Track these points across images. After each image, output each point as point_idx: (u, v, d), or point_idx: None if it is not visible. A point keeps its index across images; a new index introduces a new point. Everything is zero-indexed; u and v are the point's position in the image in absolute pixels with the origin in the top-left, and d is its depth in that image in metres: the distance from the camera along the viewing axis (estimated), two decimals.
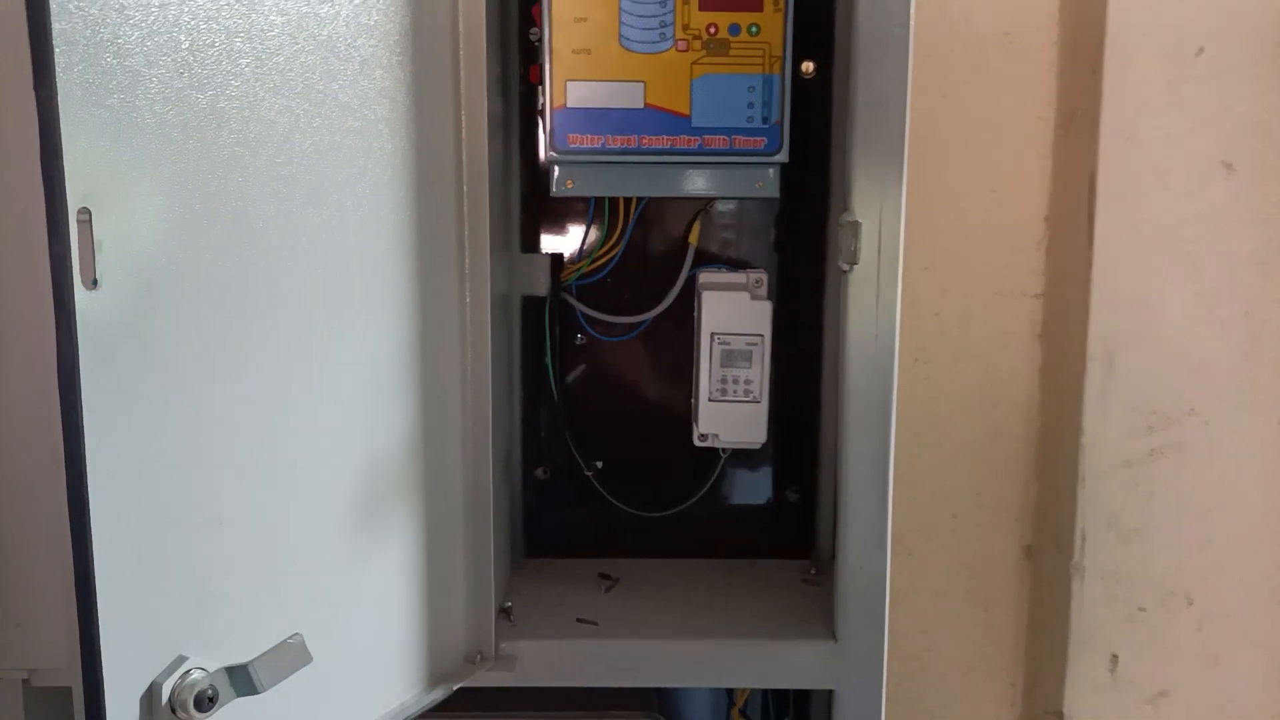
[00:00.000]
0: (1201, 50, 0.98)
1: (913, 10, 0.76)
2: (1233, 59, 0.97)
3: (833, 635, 0.84)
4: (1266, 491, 1.02)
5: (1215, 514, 1.02)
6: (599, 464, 1.01)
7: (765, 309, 0.93)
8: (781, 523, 1.02)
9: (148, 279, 0.55)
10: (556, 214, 0.99)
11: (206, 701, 0.57)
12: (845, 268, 0.79)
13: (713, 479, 0.98)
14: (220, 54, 0.58)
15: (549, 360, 0.98)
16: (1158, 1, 0.97)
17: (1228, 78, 0.97)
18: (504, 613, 0.87)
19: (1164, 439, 1.01)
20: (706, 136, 0.87)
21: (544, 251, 0.98)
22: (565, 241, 0.98)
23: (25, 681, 0.74)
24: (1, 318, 0.57)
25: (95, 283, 0.52)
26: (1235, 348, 1.00)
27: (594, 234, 0.98)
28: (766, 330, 0.93)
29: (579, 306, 0.98)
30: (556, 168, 0.89)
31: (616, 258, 0.98)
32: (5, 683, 0.73)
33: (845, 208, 0.80)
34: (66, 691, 0.54)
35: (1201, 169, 0.98)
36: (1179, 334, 1.00)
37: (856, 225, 0.77)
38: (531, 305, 0.99)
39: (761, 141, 0.87)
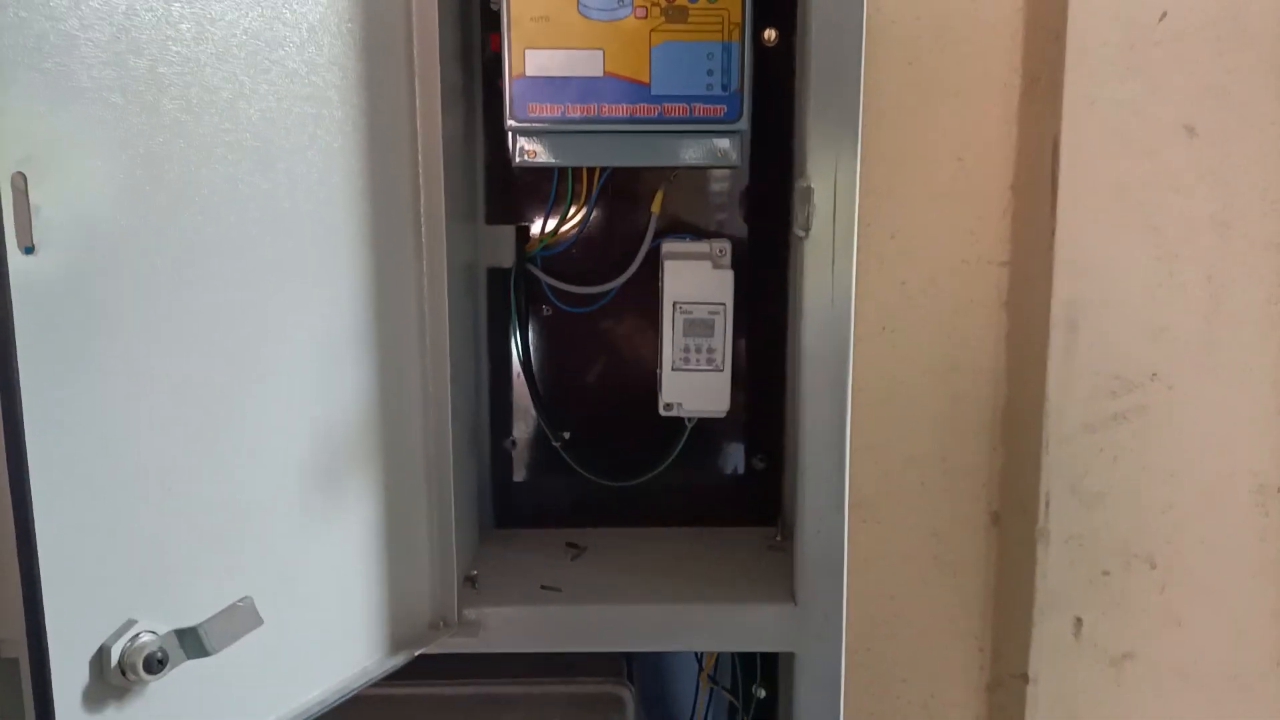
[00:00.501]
0: (1164, 15, 0.98)
1: None
2: (1194, 23, 0.97)
3: (793, 599, 0.84)
4: (1228, 455, 1.03)
5: (1178, 477, 1.03)
6: (566, 435, 1.01)
7: (727, 278, 0.93)
8: (749, 490, 1.03)
9: (89, 243, 0.55)
10: (521, 185, 0.98)
11: (156, 664, 0.57)
12: (801, 234, 0.80)
13: (679, 448, 0.99)
14: (159, 19, 0.58)
15: (514, 331, 0.99)
16: None
17: (1189, 42, 0.97)
18: (469, 581, 0.88)
19: (1126, 403, 1.02)
20: (666, 105, 0.87)
21: (511, 222, 0.98)
22: (530, 212, 0.98)
23: None
24: None
25: (31, 248, 0.52)
26: (1196, 311, 1.01)
27: (559, 205, 0.98)
28: (728, 299, 0.93)
29: (544, 278, 0.98)
30: (517, 137, 0.88)
31: (581, 228, 0.98)
32: None
33: (801, 174, 0.80)
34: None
35: (1163, 133, 0.98)
36: (1141, 298, 1.00)
37: (810, 191, 0.77)
38: (497, 276, 0.99)
39: (721, 109, 0.87)
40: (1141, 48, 0.98)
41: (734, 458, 1.03)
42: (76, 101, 0.54)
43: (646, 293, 0.97)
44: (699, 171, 0.97)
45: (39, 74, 0.52)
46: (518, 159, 0.89)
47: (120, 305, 0.57)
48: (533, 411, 1.01)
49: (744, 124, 0.87)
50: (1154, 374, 1.02)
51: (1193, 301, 1.01)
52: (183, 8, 0.59)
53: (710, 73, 0.86)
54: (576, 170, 0.96)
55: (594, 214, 0.98)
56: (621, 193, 0.98)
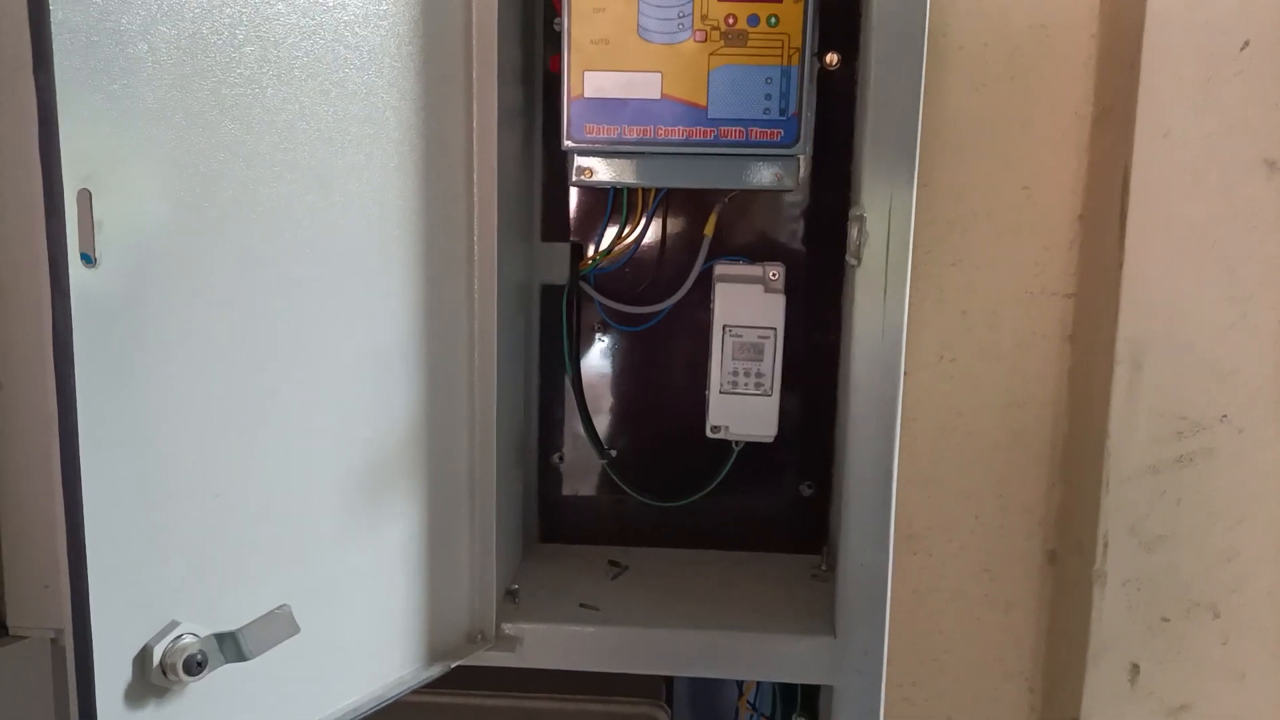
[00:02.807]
0: (1246, 44, 0.94)
1: (928, 1, 0.75)
2: (1276, 53, 0.93)
3: (833, 631, 0.83)
4: None
5: (1245, 524, 0.99)
6: (614, 452, 1.02)
7: (778, 302, 0.93)
8: (795, 517, 1.02)
9: (146, 258, 0.57)
10: (579, 203, 0.99)
11: (195, 665, 0.59)
12: (853, 263, 0.79)
13: (725, 471, 0.98)
14: (224, 42, 0.60)
15: (565, 348, 1.00)
16: None
17: (1271, 73, 0.93)
18: (510, 595, 0.89)
19: (1193, 445, 0.98)
20: (723, 128, 0.87)
21: (566, 240, 0.99)
22: (585, 231, 0.99)
23: (53, 641, 0.77)
24: (4, 295, 0.60)
25: (93, 261, 0.54)
26: (1269, 355, 0.96)
27: (614, 224, 0.98)
28: (779, 323, 0.93)
29: (596, 296, 0.99)
30: (574, 157, 0.89)
31: (634, 248, 0.99)
32: (34, 642, 0.77)
33: (856, 203, 0.79)
34: None
35: (1240, 168, 0.95)
36: (1210, 339, 0.97)
37: (862, 220, 0.76)
38: (551, 293, 1.00)
39: (778, 134, 0.87)
40: (1221, 79, 0.94)
41: (782, 483, 1.02)
42: (140, 121, 0.56)
43: (698, 314, 0.97)
44: (756, 194, 0.97)
45: (105, 96, 0.54)
46: (574, 178, 0.90)
47: (174, 318, 0.59)
48: (581, 428, 1.01)
49: (800, 148, 0.86)
50: (1223, 416, 0.98)
51: (1266, 345, 0.96)
52: (248, 32, 0.61)
53: (768, 97, 0.86)
54: (632, 190, 0.96)
55: (648, 234, 0.98)
56: (676, 213, 0.98)
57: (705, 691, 1.12)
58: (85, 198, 0.53)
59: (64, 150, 0.51)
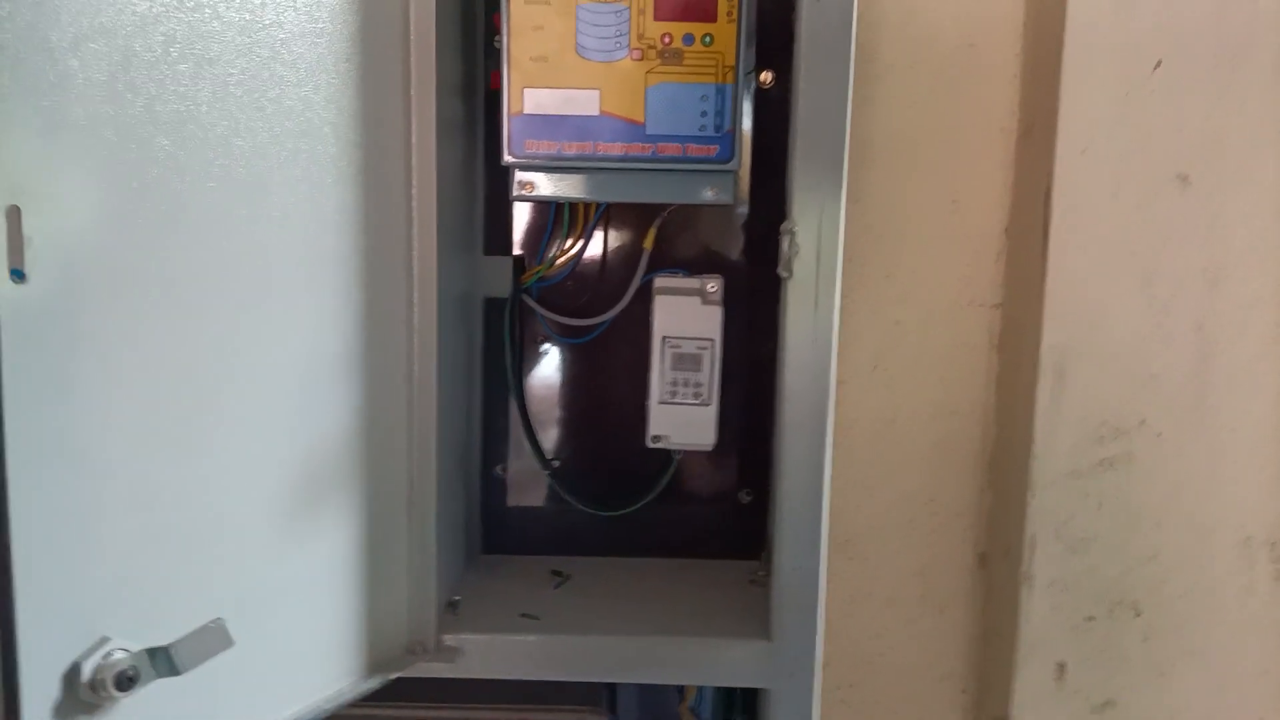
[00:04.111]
0: (1159, 64, 0.98)
1: (854, 21, 0.77)
2: (1189, 73, 0.98)
3: (768, 635, 0.85)
4: (1215, 506, 1.03)
5: (1163, 526, 1.03)
6: (556, 463, 1.03)
7: (716, 314, 0.95)
8: (734, 524, 1.04)
9: (77, 272, 0.57)
10: (520, 217, 1.01)
11: (127, 681, 0.59)
12: (785, 275, 0.81)
13: (666, 480, 1.00)
14: (158, 59, 0.61)
15: (508, 360, 1.00)
16: (1116, 16, 0.98)
17: (1184, 92, 0.98)
18: (451, 606, 0.89)
19: (1113, 450, 1.02)
20: (660, 144, 0.89)
21: (509, 254, 1.00)
22: (528, 244, 1.00)
23: None
24: None
25: (22, 277, 0.54)
26: (1185, 362, 1.01)
27: (555, 238, 1.00)
28: (717, 335, 0.95)
29: (538, 309, 1.00)
30: (515, 172, 0.91)
31: (576, 261, 1.00)
32: None
33: (788, 216, 0.82)
34: None
35: (1155, 182, 0.99)
36: (1130, 347, 1.01)
37: (792, 234, 0.79)
38: (494, 306, 1.01)
39: (714, 149, 0.89)
40: (1136, 97, 0.99)
41: (721, 491, 1.04)
42: (70, 136, 0.56)
43: (638, 326, 0.99)
44: (695, 208, 0.99)
45: (34, 111, 0.54)
46: (515, 193, 0.91)
47: (106, 331, 0.59)
48: (524, 439, 1.02)
49: (735, 164, 0.88)
50: (1142, 421, 1.02)
51: (1182, 351, 1.01)
52: (182, 49, 0.62)
53: (704, 114, 0.88)
54: (574, 204, 0.98)
55: (589, 248, 1.00)
56: (617, 227, 1.00)
57: (647, 698, 1.13)
58: (15, 214, 0.53)
59: None
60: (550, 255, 1.00)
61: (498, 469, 1.04)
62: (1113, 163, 0.99)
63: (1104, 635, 1.04)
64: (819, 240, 0.79)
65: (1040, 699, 1.05)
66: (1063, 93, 0.99)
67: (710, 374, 0.95)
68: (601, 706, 0.98)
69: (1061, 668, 1.05)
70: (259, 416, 0.69)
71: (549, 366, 1.02)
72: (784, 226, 0.81)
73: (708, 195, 0.91)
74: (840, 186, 0.79)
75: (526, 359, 1.02)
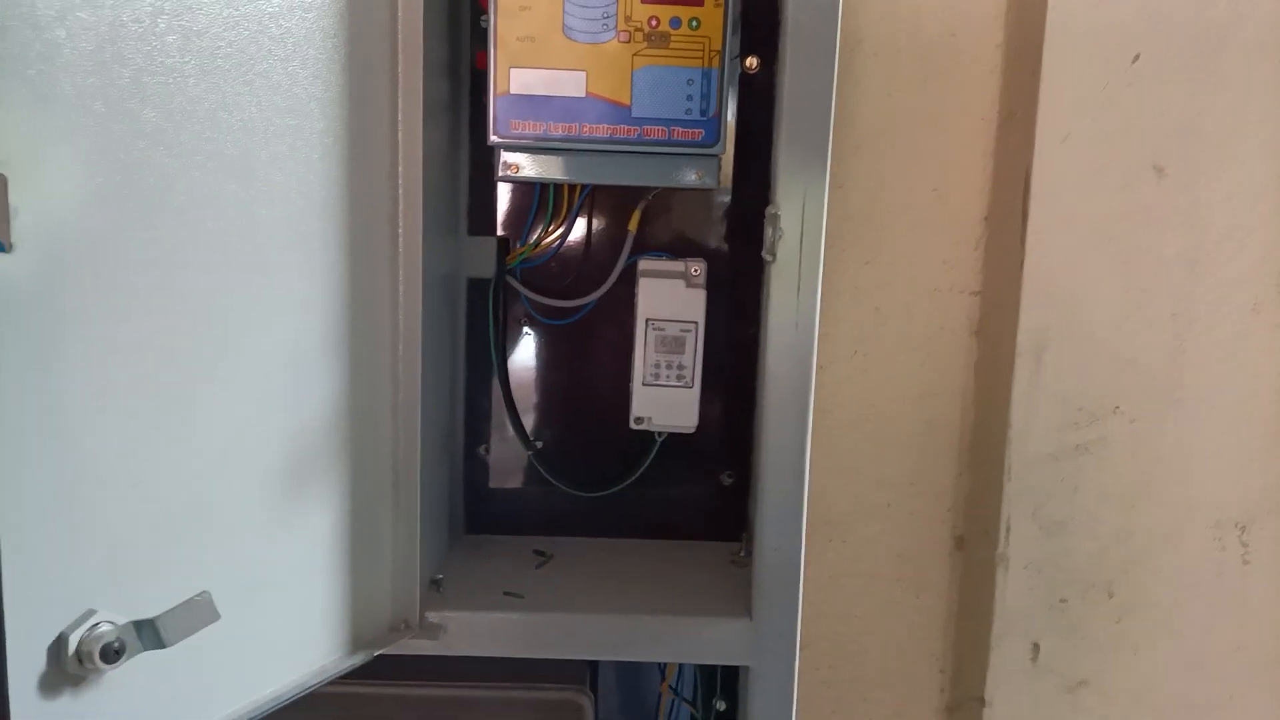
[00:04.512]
0: (1138, 56, 1.00)
1: (840, 7, 0.78)
2: (1167, 64, 0.99)
3: (749, 614, 0.86)
4: (1188, 488, 1.05)
5: (1137, 509, 1.05)
6: (540, 444, 1.03)
7: (699, 297, 0.95)
8: (716, 506, 1.04)
9: (65, 244, 0.57)
10: (505, 198, 1.01)
11: (113, 653, 0.59)
12: (768, 259, 0.82)
13: (648, 461, 1.01)
14: (145, 30, 0.60)
15: (492, 341, 1.01)
16: (1096, 7, 0.99)
17: (1161, 82, 0.99)
18: (434, 584, 0.90)
19: (1089, 434, 1.04)
20: (646, 127, 0.89)
21: (493, 234, 1.00)
22: (512, 225, 1.01)
23: None
24: None
25: (10, 247, 0.54)
26: (1161, 347, 1.03)
27: (539, 219, 1.00)
28: (700, 317, 0.96)
29: (522, 290, 1.01)
30: (500, 152, 0.91)
31: (560, 243, 1.00)
32: None
33: (771, 201, 0.82)
34: None
35: (1133, 170, 1.00)
36: (1107, 332, 1.02)
37: (777, 218, 0.79)
38: (477, 287, 1.01)
39: (699, 133, 0.89)
40: (1115, 87, 1.00)
41: (703, 473, 1.04)
42: (58, 108, 0.56)
43: (622, 308, 0.99)
44: (679, 192, 0.99)
45: (21, 81, 0.54)
46: (500, 173, 0.91)
47: (93, 306, 0.59)
48: (507, 420, 1.03)
49: (720, 148, 0.89)
50: (1117, 406, 1.03)
51: (1158, 337, 1.03)
52: (169, 21, 0.61)
53: (690, 97, 0.89)
54: (559, 186, 0.98)
55: (574, 229, 1.00)
56: (601, 209, 1.00)
57: (628, 678, 1.14)
58: (1, 184, 0.53)
59: None
60: (534, 237, 1.00)
61: (481, 450, 1.04)
62: (1091, 151, 1.00)
63: (1078, 616, 1.06)
64: (802, 225, 0.80)
65: (1015, 679, 1.07)
66: (1043, 82, 1.00)
67: (693, 356, 0.96)
68: (584, 686, 0.99)
69: (1036, 648, 1.07)
70: (246, 395, 0.69)
71: (532, 348, 1.03)
72: (768, 210, 0.82)
73: (692, 179, 0.92)
74: (824, 172, 0.79)
75: (510, 340, 1.02)
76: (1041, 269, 1.01)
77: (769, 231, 0.81)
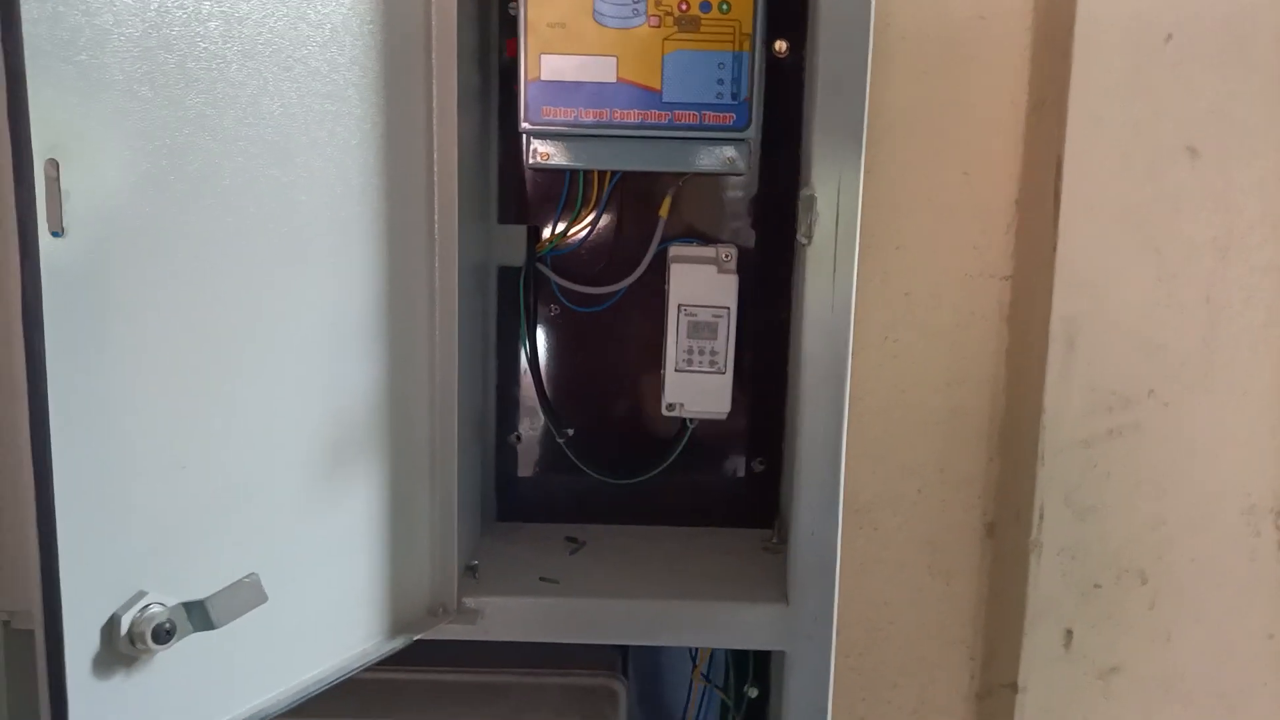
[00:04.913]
0: (1170, 37, 0.99)
1: None
2: (1199, 47, 0.99)
3: (785, 599, 0.86)
4: (1221, 474, 1.05)
5: (1170, 494, 1.05)
6: (570, 431, 1.03)
7: (731, 282, 0.95)
8: (747, 493, 1.04)
9: (113, 228, 0.58)
10: (535, 185, 1.01)
11: (164, 634, 0.60)
12: (804, 242, 0.82)
13: (680, 448, 1.01)
14: (189, 16, 0.61)
15: (523, 329, 1.01)
16: None
17: (1193, 65, 0.99)
18: (470, 570, 0.90)
19: (1122, 419, 1.03)
20: (677, 112, 0.89)
21: (522, 222, 1.00)
22: (542, 213, 1.01)
23: (5, 624, 0.77)
24: None
25: (62, 230, 0.54)
26: (1194, 331, 1.02)
27: (570, 206, 1.00)
28: (732, 303, 0.95)
29: (553, 277, 1.01)
30: (531, 139, 0.91)
31: (590, 230, 1.00)
32: None
33: (806, 183, 0.82)
34: None
35: (1165, 154, 1.00)
36: (1139, 317, 1.02)
37: (813, 200, 0.79)
38: (508, 275, 1.01)
39: (730, 118, 0.89)
40: (1147, 69, 0.99)
41: (734, 460, 1.05)
42: (107, 93, 0.57)
43: (653, 295, 0.99)
44: (708, 178, 0.99)
45: (72, 66, 0.54)
46: (531, 160, 0.91)
47: (141, 290, 0.60)
48: (538, 408, 1.03)
49: (752, 132, 0.89)
50: (1150, 391, 1.03)
51: (1191, 322, 1.02)
52: (212, 6, 0.62)
53: (720, 81, 0.89)
54: (588, 173, 0.98)
55: (604, 216, 1.00)
56: (632, 196, 1.00)
57: (659, 666, 1.15)
58: (53, 168, 0.53)
59: (33, 119, 0.52)
60: (564, 224, 1.00)
61: (512, 437, 1.05)
62: (1124, 134, 1.00)
63: (1111, 602, 1.06)
64: (838, 207, 0.80)
65: (1048, 665, 1.07)
66: (1074, 65, 0.99)
67: (726, 342, 0.96)
68: (616, 671, 0.99)
69: (1069, 634, 1.06)
70: (288, 378, 0.70)
71: (563, 335, 1.03)
72: (803, 193, 0.82)
73: (724, 164, 0.92)
74: (859, 153, 0.79)
75: (541, 328, 1.03)
76: (1074, 253, 1.01)
77: (804, 215, 0.81)
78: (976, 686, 1.16)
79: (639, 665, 1.13)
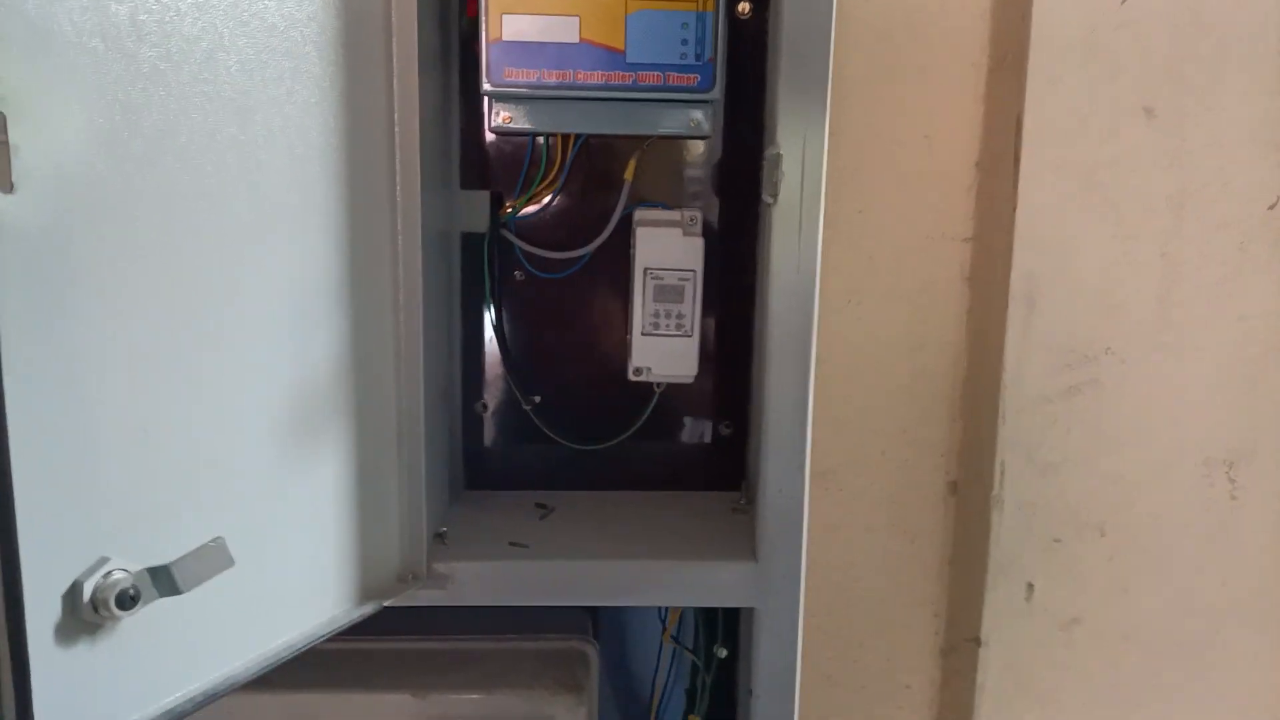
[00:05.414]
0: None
1: None
2: (1155, 8, 1.00)
3: (754, 557, 0.87)
4: (1178, 428, 1.07)
5: (1128, 449, 1.07)
6: (537, 399, 1.03)
7: (697, 245, 0.95)
8: (715, 456, 1.05)
9: (68, 187, 0.56)
10: (496, 150, 1.00)
11: (129, 600, 0.58)
12: (769, 201, 0.82)
13: (647, 413, 1.01)
14: None
15: (487, 296, 1.00)
16: None
17: (1149, 25, 1.00)
18: (439, 537, 0.90)
19: (1081, 376, 1.05)
20: (641, 73, 0.88)
21: (485, 188, 0.99)
22: (504, 178, 1.00)
23: None
24: None
25: (11, 186, 0.53)
26: (1151, 289, 1.04)
27: (533, 171, 0.99)
28: (698, 266, 0.95)
29: (517, 242, 1.00)
30: (493, 102, 0.90)
31: (555, 194, 1.00)
32: None
33: (771, 142, 0.82)
34: None
35: (1123, 114, 1.01)
36: (1097, 275, 1.03)
37: (779, 158, 0.79)
38: (471, 241, 1.00)
39: (695, 79, 0.89)
40: (1104, 30, 1.00)
41: (701, 424, 1.05)
42: (56, 45, 0.55)
43: (618, 260, 0.99)
44: (672, 142, 0.99)
45: (19, 16, 0.52)
46: (493, 123, 0.90)
47: (97, 250, 0.58)
48: (504, 375, 1.02)
49: (717, 94, 0.89)
50: (1108, 348, 1.05)
51: (1147, 279, 1.04)
52: None
53: (685, 42, 0.88)
54: (551, 137, 0.97)
55: (568, 180, 0.99)
56: (596, 160, 0.99)
57: (628, 628, 1.15)
58: (0, 121, 0.52)
59: None
60: (528, 189, 0.99)
61: (478, 406, 1.04)
62: (1082, 94, 1.01)
63: (1071, 555, 1.08)
64: (803, 166, 0.80)
65: (1010, 619, 1.09)
66: (1034, 24, 1.00)
67: (692, 305, 0.96)
68: (588, 634, 1.00)
69: (1030, 588, 1.09)
70: (253, 342, 0.69)
71: (528, 301, 1.02)
72: (769, 152, 0.82)
73: (689, 126, 0.91)
74: (824, 110, 0.79)
75: (505, 294, 1.02)
76: (1033, 213, 1.02)
77: (770, 174, 0.81)
78: (941, 642, 1.18)
79: (607, 630, 1.13)
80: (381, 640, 0.95)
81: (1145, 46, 1.01)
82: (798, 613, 0.86)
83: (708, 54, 0.88)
